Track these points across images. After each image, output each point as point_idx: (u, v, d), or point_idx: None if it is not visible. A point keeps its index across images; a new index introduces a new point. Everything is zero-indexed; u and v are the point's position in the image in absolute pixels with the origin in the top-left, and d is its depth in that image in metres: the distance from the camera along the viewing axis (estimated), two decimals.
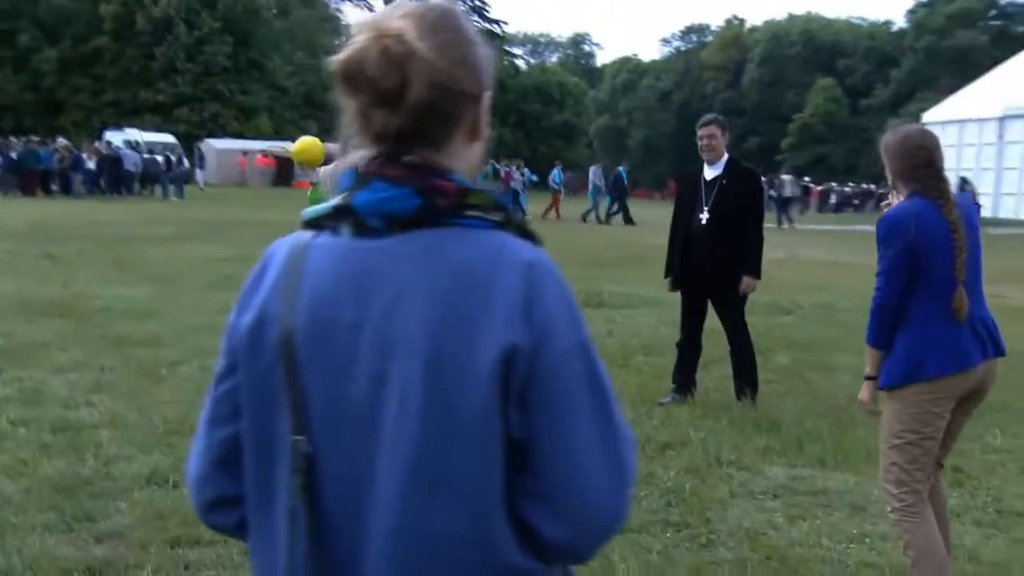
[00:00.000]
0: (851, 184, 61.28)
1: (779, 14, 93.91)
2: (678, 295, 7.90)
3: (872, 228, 4.48)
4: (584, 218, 34.30)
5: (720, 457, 6.22)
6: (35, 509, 5.13)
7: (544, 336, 1.41)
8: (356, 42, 1.42)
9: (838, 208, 54.05)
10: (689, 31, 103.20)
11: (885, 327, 4.21)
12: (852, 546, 4.99)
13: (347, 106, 1.49)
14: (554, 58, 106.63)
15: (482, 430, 1.41)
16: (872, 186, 54.85)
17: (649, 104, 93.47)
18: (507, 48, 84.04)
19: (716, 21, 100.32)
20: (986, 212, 41.15)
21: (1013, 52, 54.75)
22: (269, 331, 1.48)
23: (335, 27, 71.59)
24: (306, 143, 8.43)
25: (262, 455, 1.52)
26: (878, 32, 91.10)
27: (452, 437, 1.40)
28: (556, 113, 75.80)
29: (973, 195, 29.71)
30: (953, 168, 42.84)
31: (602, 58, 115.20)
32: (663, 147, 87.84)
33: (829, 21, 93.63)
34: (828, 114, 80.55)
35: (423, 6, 1.48)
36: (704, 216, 7.45)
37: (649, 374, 8.50)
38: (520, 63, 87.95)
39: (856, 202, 55.68)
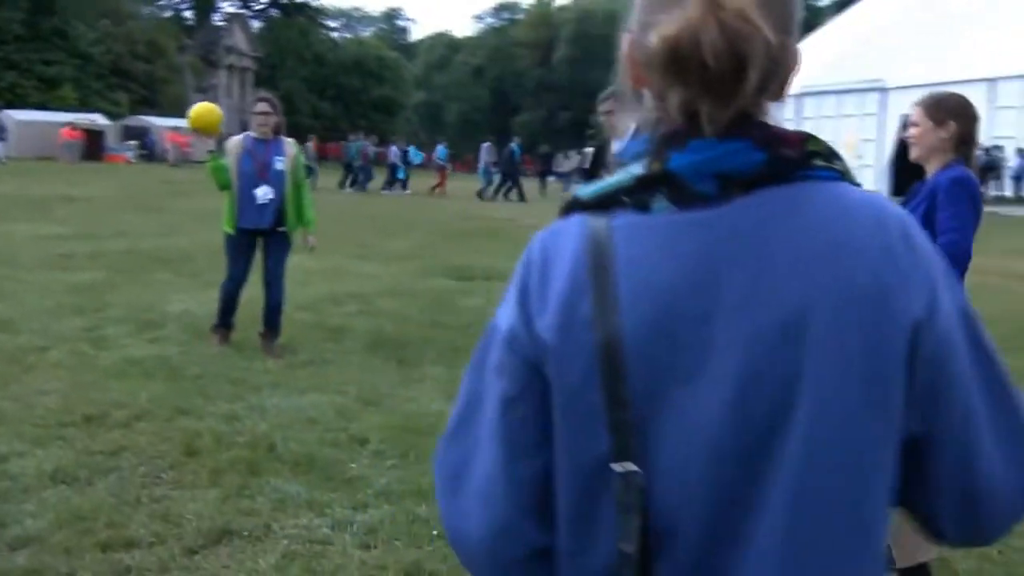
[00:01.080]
0: None
1: None
2: None
3: None
4: (480, 195, 33.49)
5: None
6: None
7: (935, 305, 1.09)
8: (684, 16, 1.04)
9: None
10: (501, 8, 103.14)
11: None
12: None
13: (654, 88, 1.14)
14: (368, 32, 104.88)
15: (897, 427, 1.09)
16: None
17: (464, 80, 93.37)
18: (322, 22, 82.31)
19: (526, 0, 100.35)
20: None
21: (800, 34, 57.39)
22: (580, 337, 1.10)
23: None
24: (202, 109, 7.67)
25: (580, 486, 1.14)
26: None
27: (871, 443, 1.08)
28: (375, 87, 74.60)
29: None
30: None
31: (416, 33, 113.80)
32: (479, 122, 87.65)
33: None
34: None
35: None
36: None
37: None
38: (335, 36, 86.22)
39: None
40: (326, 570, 4.07)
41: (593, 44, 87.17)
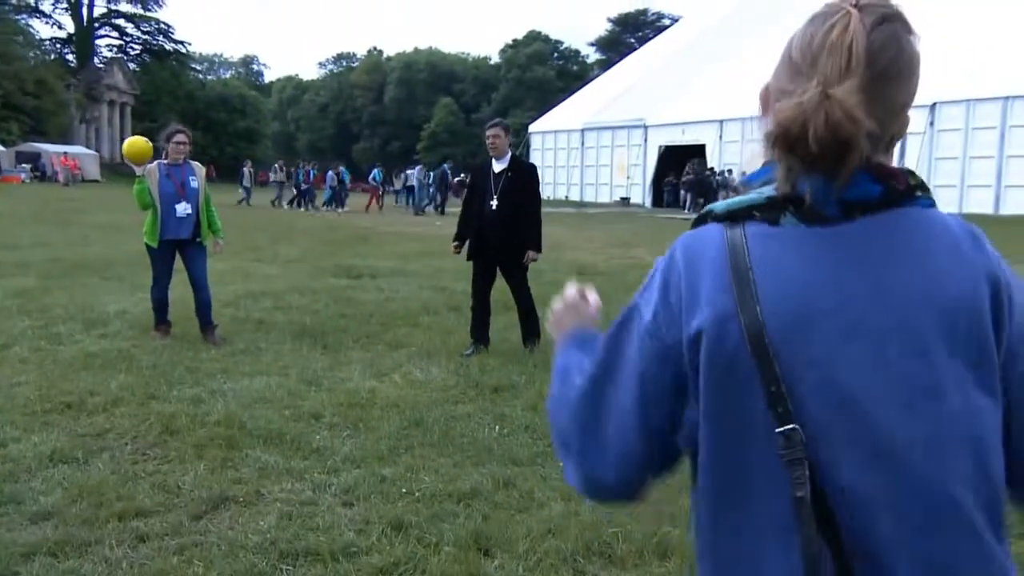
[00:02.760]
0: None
1: (409, 47, 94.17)
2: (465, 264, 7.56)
3: None
4: (418, 211, 32.52)
5: (544, 395, 5.91)
6: None
7: (1008, 281, 1.12)
8: (799, 102, 1.05)
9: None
10: (340, 57, 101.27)
11: None
12: None
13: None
14: (227, 74, 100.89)
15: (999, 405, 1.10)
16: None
17: (312, 114, 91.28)
18: (190, 65, 78.94)
19: (361, 50, 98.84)
20: (575, 198, 43.73)
21: (572, 83, 59.43)
22: (729, 327, 1.09)
23: (28, 39, 63.43)
24: (135, 143, 7.38)
25: (731, 453, 1.12)
26: (481, 64, 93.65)
27: (992, 427, 1.09)
28: (239, 120, 71.99)
29: None
30: (551, 165, 45.10)
31: (270, 76, 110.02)
32: (326, 148, 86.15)
33: (445, 54, 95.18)
34: (449, 124, 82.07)
35: (876, 42, 1.08)
36: (494, 202, 7.16)
37: (439, 331, 8.07)
38: (201, 77, 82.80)
39: None
40: (320, 527, 3.86)
41: (416, 87, 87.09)
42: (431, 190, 34.26)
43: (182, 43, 74.82)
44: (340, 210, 32.28)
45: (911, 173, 1.13)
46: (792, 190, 1.10)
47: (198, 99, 70.79)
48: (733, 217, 1.15)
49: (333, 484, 4.33)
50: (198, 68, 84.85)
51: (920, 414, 1.05)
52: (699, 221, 1.19)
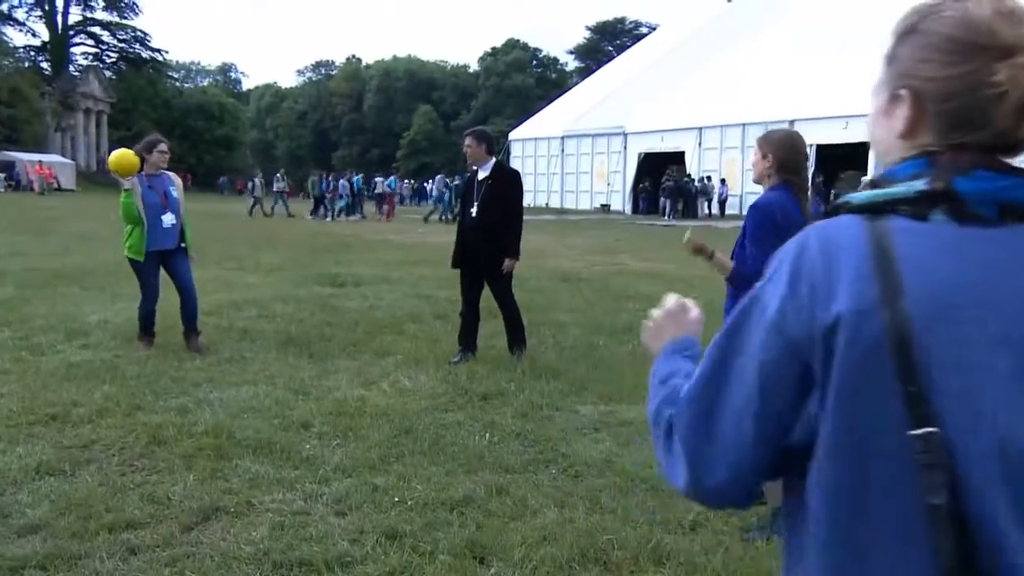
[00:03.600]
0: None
1: (388, 55, 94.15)
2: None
3: None
4: (442, 218, 31.48)
5: (533, 402, 5.91)
6: None
7: None
8: (1014, 73, 1.05)
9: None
10: (319, 65, 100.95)
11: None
12: None
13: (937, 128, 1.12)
14: (205, 82, 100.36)
15: None
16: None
17: (290, 122, 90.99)
18: (167, 73, 78.49)
19: (339, 58, 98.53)
20: (555, 205, 43.79)
21: (551, 90, 59.58)
22: (870, 320, 1.03)
23: (1, 48, 62.77)
24: (123, 156, 7.26)
25: (856, 454, 1.06)
26: (460, 72, 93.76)
27: None
28: (217, 128, 71.70)
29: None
30: (531, 172, 45.16)
31: (248, 84, 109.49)
32: (305, 156, 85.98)
33: (424, 62, 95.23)
34: (428, 132, 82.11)
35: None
36: (474, 210, 7.14)
37: (425, 338, 8.04)
38: (178, 85, 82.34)
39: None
40: (313, 537, 3.82)
41: (395, 95, 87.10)
42: (439, 201, 33.34)
43: (159, 51, 74.43)
44: (354, 217, 31.95)
45: None
46: (947, 185, 1.07)
47: (175, 107, 70.57)
48: (875, 210, 1.10)
49: (325, 493, 4.29)
50: (175, 76, 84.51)
51: None
52: (832, 212, 1.15)
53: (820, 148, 33.11)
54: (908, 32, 1.14)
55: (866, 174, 31.96)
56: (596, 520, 4.01)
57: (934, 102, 1.11)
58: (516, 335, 7.26)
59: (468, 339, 7.27)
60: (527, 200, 37.11)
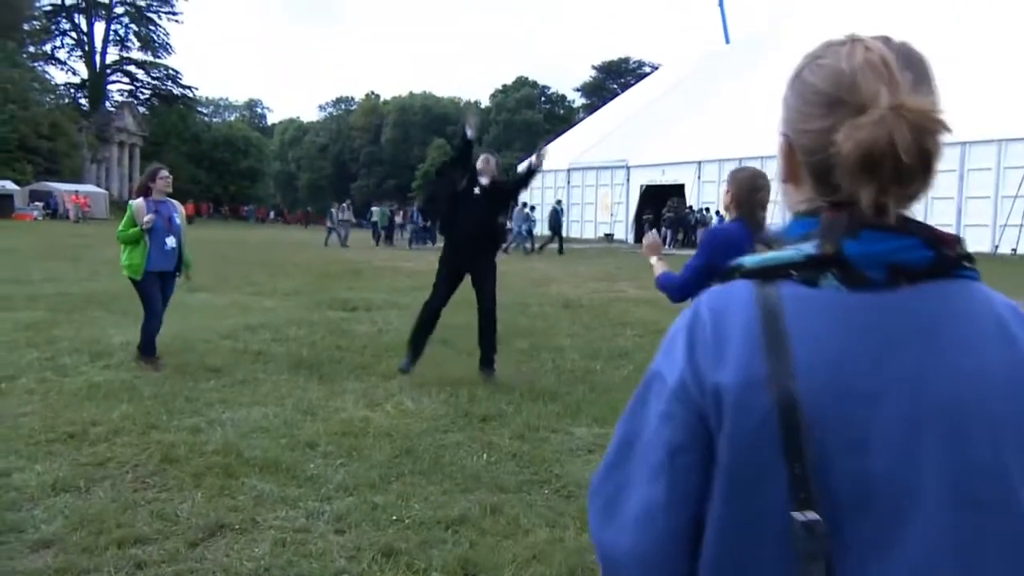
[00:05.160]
0: None
1: (405, 91, 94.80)
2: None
3: None
4: (527, 250, 29.63)
5: (531, 424, 5.86)
6: None
7: None
8: (872, 121, 0.92)
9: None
10: (339, 100, 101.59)
11: (685, 296, 4.11)
12: None
13: (818, 181, 1.01)
14: (233, 117, 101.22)
15: None
16: None
17: (312, 154, 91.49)
18: (197, 108, 79.23)
19: (359, 94, 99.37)
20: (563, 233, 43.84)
21: (559, 125, 59.90)
22: (757, 395, 0.94)
23: (44, 86, 63.36)
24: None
25: (742, 535, 0.96)
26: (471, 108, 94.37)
27: None
28: (243, 160, 72.27)
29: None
30: (539, 202, 45.27)
31: (272, 118, 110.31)
32: (325, 187, 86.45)
33: (439, 98, 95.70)
34: (440, 163, 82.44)
35: (911, 52, 1.01)
36: (473, 221, 7.38)
37: (429, 362, 7.77)
38: (207, 119, 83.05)
39: None
40: (313, 554, 3.78)
41: (411, 129, 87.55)
42: (524, 229, 30.69)
43: (189, 88, 75.30)
44: (427, 245, 31.25)
45: (959, 240, 1.00)
46: (836, 249, 0.97)
47: (204, 140, 71.17)
48: (766, 274, 1.01)
49: (326, 511, 4.25)
50: (204, 111, 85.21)
51: (961, 514, 0.92)
52: (725, 276, 1.05)
53: None
54: (794, 77, 1.06)
55: None
56: (585, 540, 3.95)
57: (803, 154, 1.03)
58: (494, 342, 7.30)
59: (423, 345, 7.36)
60: (536, 229, 37.13)
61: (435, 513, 4.23)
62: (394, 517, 4.18)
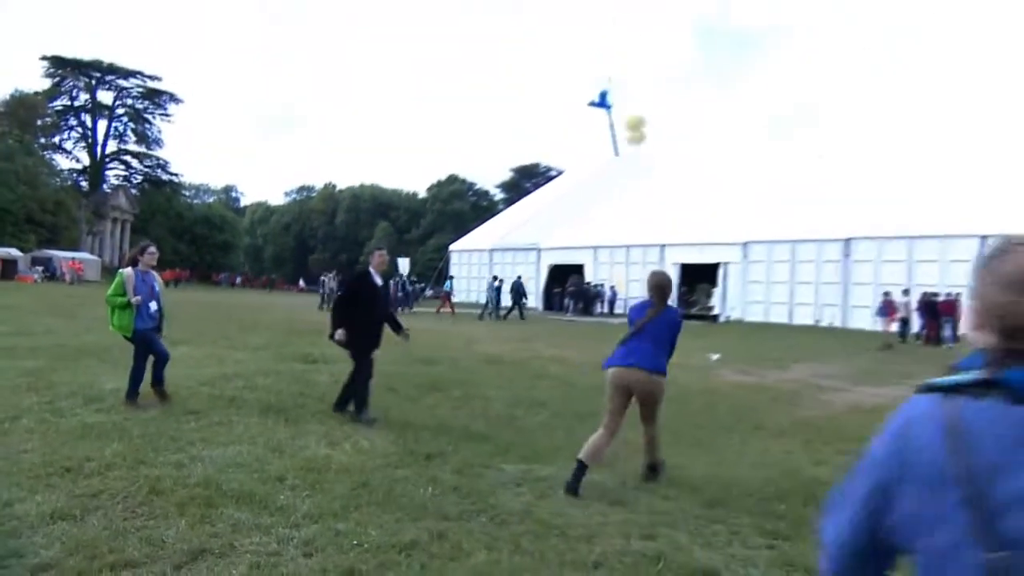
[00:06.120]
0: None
1: (356, 182, 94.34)
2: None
3: None
4: (492, 315, 28.54)
5: (468, 461, 5.71)
6: None
7: None
8: None
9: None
10: (302, 188, 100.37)
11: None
12: (591, 505, 4.69)
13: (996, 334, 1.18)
14: (211, 200, 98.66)
15: None
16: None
17: (276, 231, 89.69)
18: (183, 192, 77.23)
19: (319, 183, 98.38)
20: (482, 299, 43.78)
21: (483, 214, 60.78)
22: (943, 470, 1.14)
23: (51, 170, 60.95)
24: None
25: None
26: (412, 198, 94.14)
27: None
28: (219, 234, 70.36)
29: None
30: (467, 276, 45.26)
31: (245, 200, 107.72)
32: (287, 258, 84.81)
33: (384, 188, 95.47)
34: (387, 243, 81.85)
35: None
36: (378, 308, 7.34)
37: (379, 407, 7.62)
38: (190, 200, 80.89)
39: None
40: (285, 575, 3.58)
41: (361, 213, 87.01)
42: (495, 298, 29.49)
43: (175, 175, 73.49)
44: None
45: None
46: (998, 376, 1.14)
47: (186, 218, 69.18)
48: (951, 390, 1.17)
49: (295, 537, 4.03)
50: (187, 194, 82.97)
51: None
52: (924, 390, 1.22)
53: (684, 266, 34.14)
54: (986, 263, 1.21)
55: (715, 286, 33.04)
56: (518, 560, 3.85)
57: (993, 317, 1.18)
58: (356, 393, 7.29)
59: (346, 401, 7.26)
60: (465, 298, 36.81)
61: (390, 539, 4.06)
62: (355, 542, 3.99)
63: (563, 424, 7.33)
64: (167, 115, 71.59)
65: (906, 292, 22.98)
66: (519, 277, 32.58)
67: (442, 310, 30.10)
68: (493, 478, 5.33)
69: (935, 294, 22.16)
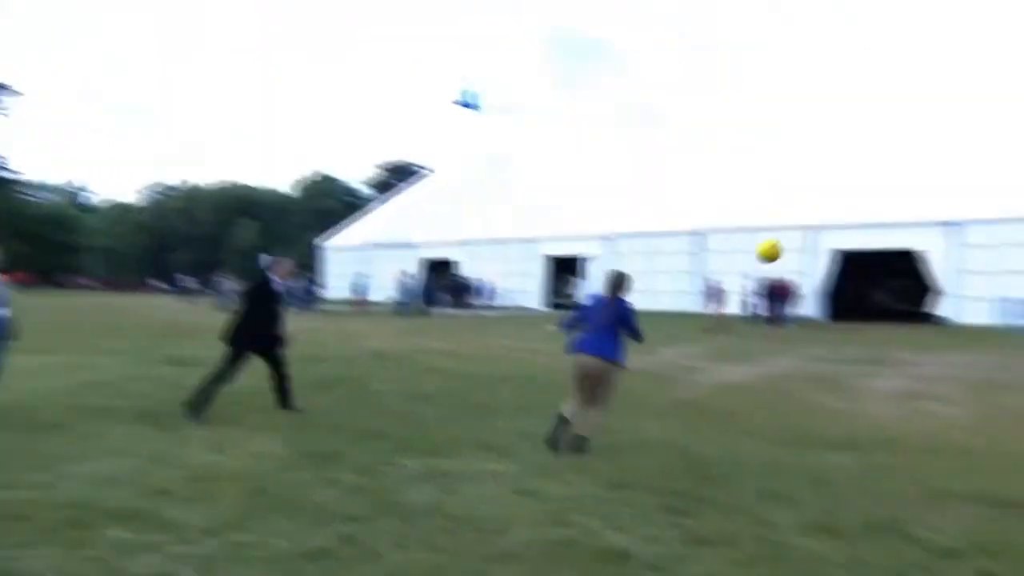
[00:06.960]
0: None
1: (216, 179, 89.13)
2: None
3: None
4: (401, 312, 28.16)
5: (367, 459, 5.43)
6: None
7: None
8: None
9: None
10: (158, 185, 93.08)
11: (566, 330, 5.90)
12: (499, 497, 4.54)
13: None
14: (55, 198, 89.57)
15: None
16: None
17: (133, 231, 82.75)
18: (25, 192, 69.71)
19: (177, 180, 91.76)
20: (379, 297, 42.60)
21: (355, 211, 59.32)
22: None
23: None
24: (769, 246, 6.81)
25: None
26: (278, 195, 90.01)
27: None
28: (66, 235, 64.14)
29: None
30: (340, 273, 43.87)
31: (98, 200, 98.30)
32: (146, 259, 78.54)
33: (248, 186, 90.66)
34: (251, 241, 77.76)
35: None
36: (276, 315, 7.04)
37: (263, 408, 7.16)
38: (33, 199, 73.14)
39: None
40: None
41: (223, 211, 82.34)
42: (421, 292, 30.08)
43: (16, 172, 66.04)
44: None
45: None
46: None
47: (28, 217, 62.56)
48: None
49: (191, 555, 3.64)
50: (29, 193, 75.01)
51: None
52: None
53: (555, 259, 34.94)
54: None
55: (583, 278, 34.01)
56: (434, 558, 3.67)
57: None
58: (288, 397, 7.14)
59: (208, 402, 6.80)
60: (341, 295, 35.57)
61: (296, 547, 3.75)
62: (259, 554, 3.66)
63: (458, 416, 7.17)
64: (3, 109, 64.32)
65: (745, 277, 24.78)
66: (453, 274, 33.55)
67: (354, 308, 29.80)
68: (396, 475, 5.09)
69: (778, 279, 23.84)
